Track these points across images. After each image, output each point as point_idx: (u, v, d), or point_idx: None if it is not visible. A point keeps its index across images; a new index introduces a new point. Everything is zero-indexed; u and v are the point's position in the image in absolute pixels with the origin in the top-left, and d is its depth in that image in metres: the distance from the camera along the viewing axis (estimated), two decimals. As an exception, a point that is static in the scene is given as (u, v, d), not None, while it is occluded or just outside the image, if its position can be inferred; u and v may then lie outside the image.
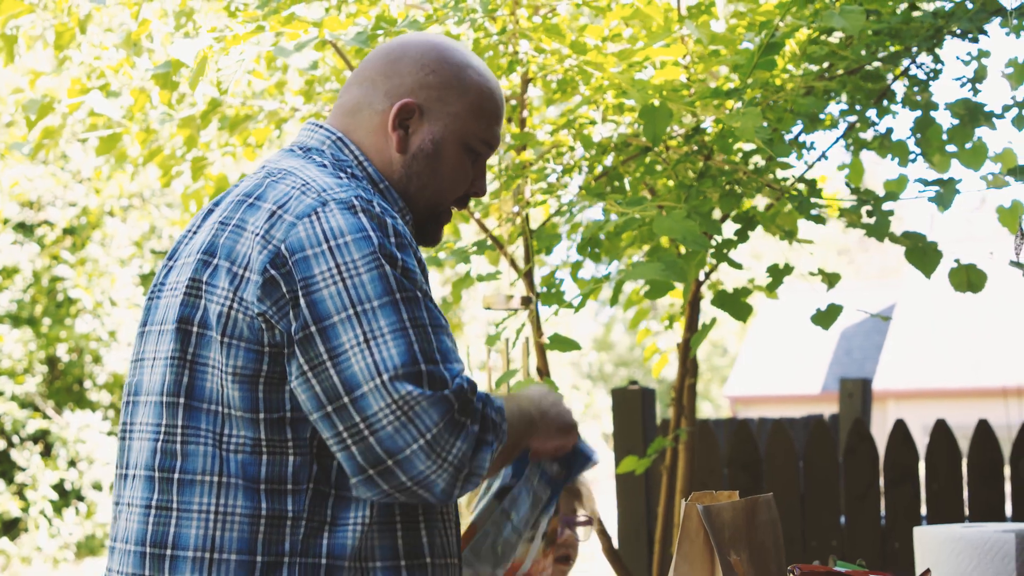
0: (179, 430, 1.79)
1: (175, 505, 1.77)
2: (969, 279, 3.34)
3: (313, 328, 1.69)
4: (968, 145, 3.62)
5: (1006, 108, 3.59)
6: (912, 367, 20.27)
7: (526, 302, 3.55)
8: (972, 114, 3.57)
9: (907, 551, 4.13)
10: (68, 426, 13.21)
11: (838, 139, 3.67)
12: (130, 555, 1.81)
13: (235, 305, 1.75)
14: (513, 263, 3.75)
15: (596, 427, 24.94)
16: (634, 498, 4.58)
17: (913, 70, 3.62)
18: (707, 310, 4.26)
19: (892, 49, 3.51)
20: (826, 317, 3.36)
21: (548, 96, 4.03)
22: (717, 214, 3.76)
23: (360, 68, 2.00)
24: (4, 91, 9.86)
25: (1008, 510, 4.35)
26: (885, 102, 3.64)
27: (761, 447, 4.65)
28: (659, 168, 3.60)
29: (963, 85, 3.61)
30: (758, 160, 3.60)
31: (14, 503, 12.69)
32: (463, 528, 2.03)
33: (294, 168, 1.85)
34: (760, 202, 3.83)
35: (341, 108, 1.98)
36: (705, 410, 29.48)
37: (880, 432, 12.34)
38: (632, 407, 4.60)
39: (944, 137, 3.62)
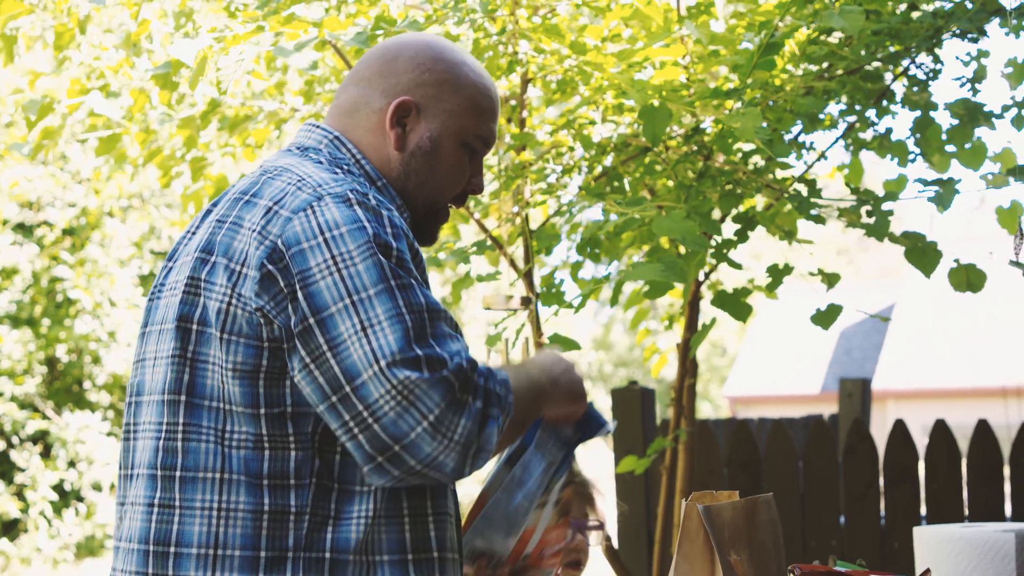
0: (180, 428, 1.79)
1: (178, 503, 1.78)
2: (969, 279, 3.34)
3: (312, 320, 1.70)
4: (967, 145, 3.62)
5: (1005, 108, 3.59)
6: (912, 367, 20.27)
7: (526, 302, 3.55)
8: (971, 114, 3.57)
9: (907, 551, 4.13)
10: (68, 427, 13.21)
11: (837, 139, 3.67)
12: (134, 553, 1.81)
13: (234, 301, 1.76)
14: (513, 263, 3.76)
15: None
16: (634, 498, 4.58)
17: (912, 70, 3.62)
18: (707, 310, 4.27)
19: (892, 49, 3.51)
20: (826, 317, 3.36)
21: (548, 96, 4.03)
22: (717, 214, 3.76)
23: (356, 69, 2.02)
24: (4, 91, 9.86)
25: (1008, 510, 4.36)
26: (885, 102, 3.64)
27: (761, 447, 4.65)
28: (659, 168, 3.60)
29: (962, 85, 3.61)
30: (758, 160, 3.60)
31: (13, 504, 12.69)
32: (473, 498, 2.01)
33: (290, 165, 1.87)
34: (760, 202, 3.82)
35: (338, 108, 1.99)
36: (704, 410, 29.48)
37: (880, 432, 12.33)
38: (632, 407, 4.60)
39: (943, 137, 3.62)
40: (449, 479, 1.72)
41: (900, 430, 4.37)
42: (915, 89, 3.63)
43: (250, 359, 1.74)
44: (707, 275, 3.84)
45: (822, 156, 3.65)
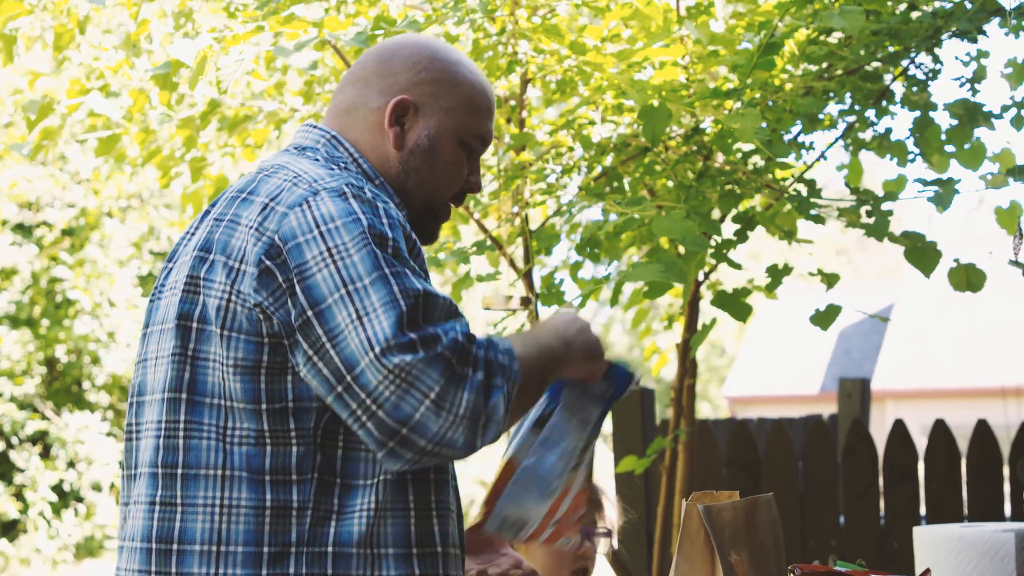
0: (182, 425, 1.80)
1: (180, 500, 1.78)
2: (968, 279, 3.35)
3: (310, 313, 1.71)
4: (967, 145, 3.62)
5: (1005, 108, 3.59)
6: (911, 367, 20.28)
7: (525, 302, 3.55)
8: (971, 114, 3.57)
9: (906, 551, 4.13)
10: (67, 427, 13.22)
11: (837, 139, 3.67)
12: (137, 552, 1.82)
13: (233, 298, 1.76)
14: (512, 263, 3.76)
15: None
16: (634, 498, 4.58)
17: (912, 70, 3.62)
18: (707, 310, 4.26)
19: (891, 49, 3.51)
20: (825, 317, 3.36)
21: (547, 96, 4.04)
22: (716, 214, 3.76)
23: (352, 70, 2.03)
24: (4, 92, 9.86)
25: (1007, 510, 4.36)
26: (884, 102, 3.64)
27: (760, 447, 4.65)
28: (658, 168, 3.60)
29: (962, 85, 3.61)
30: (757, 160, 3.60)
31: (13, 504, 12.69)
32: (500, 465, 1.96)
33: (286, 163, 1.88)
34: (759, 202, 3.83)
35: (335, 109, 2.00)
36: (704, 410, 29.48)
37: (879, 432, 12.30)
38: (631, 407, 4.60)
39: (943, 137, 3.62)
40: (463, 454, 1.71)
41: (899, 430, 4.37)
42: (914, 89, 3.63)
43: (250, 355, 1.75)
44: (707, 275, 3.84)
45: (822, 156, 3.65)
